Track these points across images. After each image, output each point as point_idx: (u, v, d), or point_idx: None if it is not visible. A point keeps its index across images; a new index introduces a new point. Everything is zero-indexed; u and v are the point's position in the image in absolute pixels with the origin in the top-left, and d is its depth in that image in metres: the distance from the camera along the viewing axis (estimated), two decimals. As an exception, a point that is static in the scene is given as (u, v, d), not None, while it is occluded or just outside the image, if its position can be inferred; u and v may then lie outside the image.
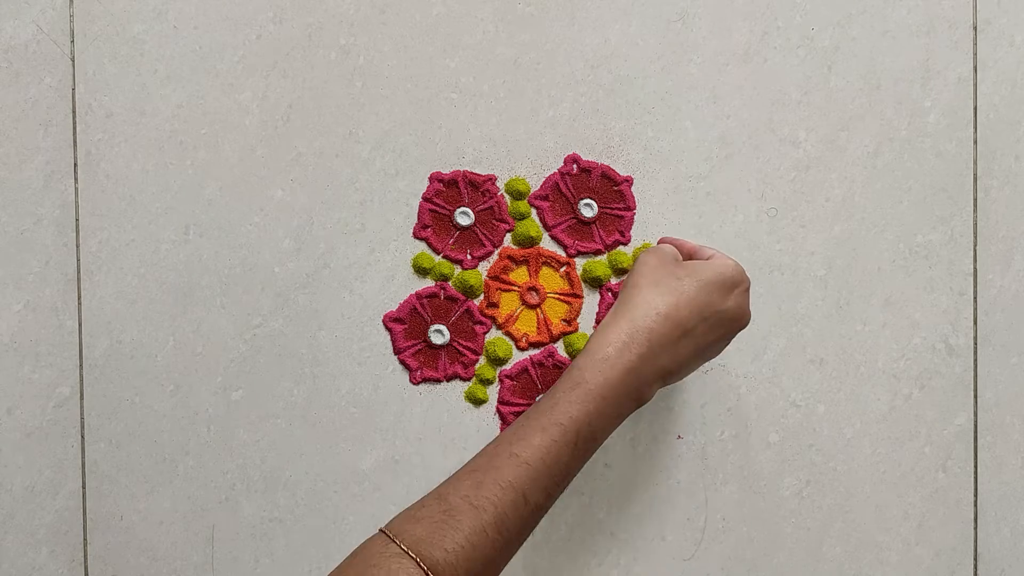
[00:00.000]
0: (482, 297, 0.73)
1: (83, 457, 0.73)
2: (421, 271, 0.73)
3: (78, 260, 0.73)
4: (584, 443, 0.58)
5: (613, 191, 0.73)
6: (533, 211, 0.73)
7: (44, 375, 0.73)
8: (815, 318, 0.73)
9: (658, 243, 0.70)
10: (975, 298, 0.73)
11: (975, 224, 0.73)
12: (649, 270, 0.63)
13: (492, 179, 0.73)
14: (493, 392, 0.73)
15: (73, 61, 0.73)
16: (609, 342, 0.60)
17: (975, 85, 0.73)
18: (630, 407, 0.60)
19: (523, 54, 0.73)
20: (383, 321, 0.73)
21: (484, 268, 0.73)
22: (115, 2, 0.73)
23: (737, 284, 0.63)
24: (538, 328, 0.73)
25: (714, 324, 0.62)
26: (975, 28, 0.73)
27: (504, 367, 0.73)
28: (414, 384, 0.73)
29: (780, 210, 0.73)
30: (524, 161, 0.73)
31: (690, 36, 0.72)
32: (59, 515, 0.73)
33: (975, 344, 0.73)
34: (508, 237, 0.73)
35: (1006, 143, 0.73)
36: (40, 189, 0.73)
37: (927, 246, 0.73)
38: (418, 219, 0.73)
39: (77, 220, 0.73)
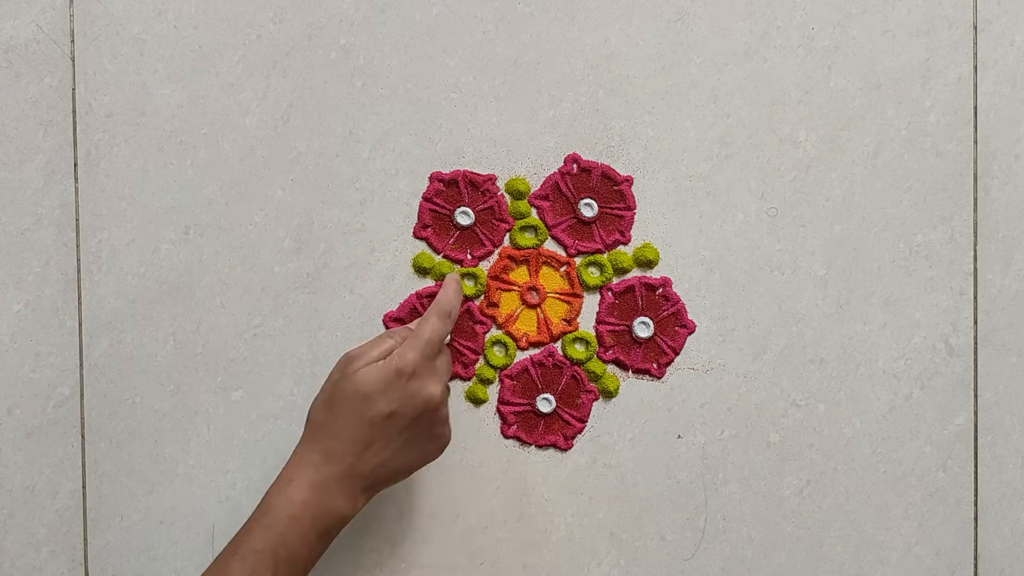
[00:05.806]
0: (482, 297, 0.73)
1: (83, 457, 0.73)
2: (421, 271, 0.73)
3: (78, 260, 0.73)
4: (286, 566, 0.60)
5: (613, 191, 0.73)
6: (533, 211, 0.73)
7: (44, 375, 0.73)
8: (815, 318, 0.73)
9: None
10: (975, 298, 0.73)
11: (975, 224, 0.73)
12: (327, 388, 0.64)
13: (492, 179, 0.73)
14: (493, 392, 0.73)
15: (73, 61, 0.73)
16: (291, 463, 0.63)
17: (975, 85, 0.73)
18: (329, 523, 0.62)
19: (523, 54, 0.73)
20: (383, 321, 0.73)
21: (484, 268, 0.73)
22: (115, 2, 0.73)
23: (398, 379, 0.62)
24: (538, 328, 0.73)
25: (397, 421, 0.62)
26: (975, 28, 0.72)
27: (504, 367, 0.73)
28: (414, 384, 0.73)
29: (780, 210, 0.73)
30: (524, 161, 0.73)
31: (690, 36, 0.72)
32: (59, 515, 0.73)
33: (975, 344, 0.73)
34: (508, 237, 0.73)
35: (1006, 143, 0.73)
36: (40, 189, 0.73)
37: (927, 246, 0.73)
38: (418, 219, 0.73)
39: (77, 220, 0.73)
